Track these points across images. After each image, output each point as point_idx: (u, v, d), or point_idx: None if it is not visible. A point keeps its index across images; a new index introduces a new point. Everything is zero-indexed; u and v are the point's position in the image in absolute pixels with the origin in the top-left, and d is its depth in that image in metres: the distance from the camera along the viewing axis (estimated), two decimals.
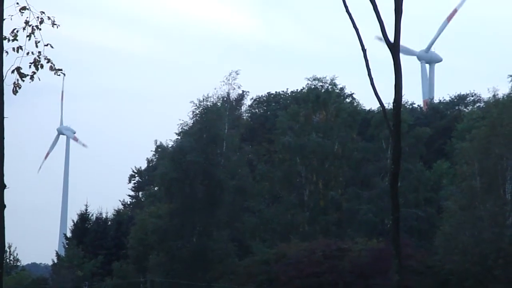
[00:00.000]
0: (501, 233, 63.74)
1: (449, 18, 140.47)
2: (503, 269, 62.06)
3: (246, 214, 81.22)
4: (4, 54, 16.10)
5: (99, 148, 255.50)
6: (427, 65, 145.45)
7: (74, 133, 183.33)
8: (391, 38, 19.31)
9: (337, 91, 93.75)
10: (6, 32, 16.22)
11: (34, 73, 16.35)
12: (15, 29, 16.33)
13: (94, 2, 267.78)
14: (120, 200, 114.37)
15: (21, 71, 16.21)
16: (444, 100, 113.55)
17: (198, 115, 79.87)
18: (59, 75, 16.42)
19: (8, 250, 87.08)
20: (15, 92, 16.32)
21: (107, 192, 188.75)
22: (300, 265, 67.82)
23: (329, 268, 67.22)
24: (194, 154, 74.87)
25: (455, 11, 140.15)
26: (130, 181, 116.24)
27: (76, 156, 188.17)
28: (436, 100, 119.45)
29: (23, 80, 16.26)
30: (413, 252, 64.86)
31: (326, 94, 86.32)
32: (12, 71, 16.17)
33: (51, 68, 16.43)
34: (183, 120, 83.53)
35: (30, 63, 16.30)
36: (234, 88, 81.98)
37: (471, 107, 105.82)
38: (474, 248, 63.51)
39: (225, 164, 77.11)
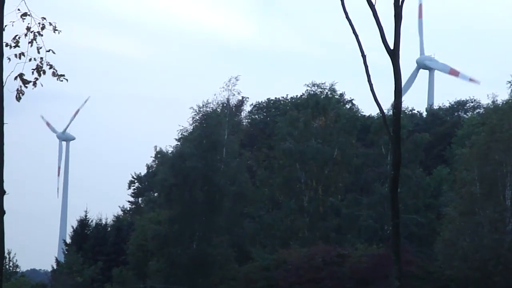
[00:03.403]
0: (501, 239, 63.73)
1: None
2: (503, 275, 62.04)
3: (246, 220, 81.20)
4: (6, 60, 16.13)
5: (99, 153, 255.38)
6: (426, 71, 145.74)
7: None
8: (391, 44, 19.38)
9: (337, 97, 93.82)
10: (8, 39, 16.26)
11: (37, 79, 16.38)
12: (16, 35, 16.36)
13: (93, 8, 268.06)
14: (119, 206, 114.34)
15: (24, 77, 16.25)
16: (444, 106, 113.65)
17: (198, 121, 79.92)
18: (62, 80, 16.45)
19: (7, 256, 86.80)
20: (18, 98, 16.35)
21: (107, 198, 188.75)
22: (300, 271, 67.82)
23: (329, 274, 67.21)
24: (193, 160, 74.85)
25: (457, 72, 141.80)
26: (129, 187, 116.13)
27: (75, 161, 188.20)
28: (435, 106, 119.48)
29: (26, 87, 16.30)
30: (413, 258, 64.86)
31: (326, 100, 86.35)
32: (15, 78, 16.21)
33: (54, 74, 16.46)
34: (182, 126, 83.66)
35: (32, 69, 16.33)
36: (234, 94, 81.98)
37: (470, 113, 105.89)
38: (474, 254, 63.49)
39: (225, 170, 77.07)
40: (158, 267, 75.29)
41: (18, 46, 16.35)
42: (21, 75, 16.24)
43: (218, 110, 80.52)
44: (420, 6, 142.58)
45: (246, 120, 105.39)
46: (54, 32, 16.50)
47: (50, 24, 16.48)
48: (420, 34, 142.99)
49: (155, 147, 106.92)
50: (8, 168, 16.55)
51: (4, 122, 16.03)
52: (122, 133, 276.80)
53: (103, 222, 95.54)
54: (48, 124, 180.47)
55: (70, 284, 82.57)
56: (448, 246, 65.20)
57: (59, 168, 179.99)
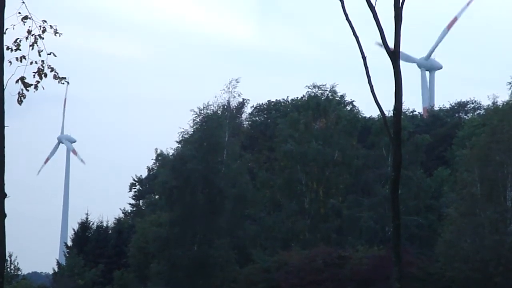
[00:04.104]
0: (502, 240, 63.74)
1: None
2: (504, 276, 62.04)
3: (246, 222, 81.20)
4: (8, 63, 16.15)
5: (100, 156, 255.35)
6: (427, 73, 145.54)
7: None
8: (391, 45, 19.39)
9: (337, 98, 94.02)
10: (9, 42, 16.28)
11: (38, 82, 16.40)
12: (17, 38, 16.39)
13: (93, 10, 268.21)
14: (120, 209, 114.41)
15: (25, 80, 16.26)
16: (444, 107, 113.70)
17: (199, 123, 79.97)
18: (63, 83, 16.48)
19: (8, 259, 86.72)
20: (20, 102, 16.37)
21: (108, 200, 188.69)
22: (301, 273, 67.83)
23: (330, 276, 67.21)
24: (194, 162, 74.87)
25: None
26: (130, 190, 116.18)
27: (76, 165, 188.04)
28: (436, 107, 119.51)
29: (28, 90, 16.31)
30: (413, 260, 64.86)
31: (326, 102, 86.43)
32: (16, 81, 16.22)
33: (55, 77, 16.47)
34: (183, 128, 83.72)
35: (33, 72, 16.34)
36: (235, 96, 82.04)
37: (471, 114, 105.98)
38: (475, 255, 63.50)
39: (225, 172, 77.10)
40: (159, 269, 75.30)
41: (19, 49, 16.36)
42: (22, 79, 16.25)
43: (219, 112, 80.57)
44: (455, 19, 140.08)
45: (247, 122, 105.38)
46: (55, 35, 16.52)
47: (51, 27, 16.51)
48: (438, 40, 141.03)
49: (156, 149, 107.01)
50: (9, 171, 16.57)
51: (5, 125, 16.04)
52: (123, 135, 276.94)
53: (104, 224, 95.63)
54: (64, 105, 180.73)
55: (72, 287, 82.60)
56: (449, 247, 65.20)
57: (47, 158, 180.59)
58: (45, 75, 16.39)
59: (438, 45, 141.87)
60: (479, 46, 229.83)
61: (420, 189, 78.24)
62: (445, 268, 65.83)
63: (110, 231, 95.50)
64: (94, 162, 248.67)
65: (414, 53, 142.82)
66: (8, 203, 16.32)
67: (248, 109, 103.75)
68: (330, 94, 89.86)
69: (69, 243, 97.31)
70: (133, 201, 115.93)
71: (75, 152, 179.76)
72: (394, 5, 19.31)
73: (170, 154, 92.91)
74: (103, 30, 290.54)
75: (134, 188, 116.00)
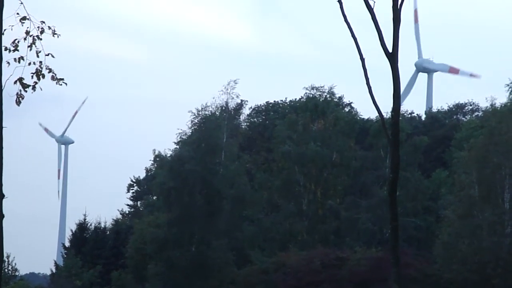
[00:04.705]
0: (500, 242, 63.75)
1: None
2: (501, 278, 62.05)
3: (244, 223, 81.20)
4: (6, 64, 16.16)
5: (98, 157, 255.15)
6: (425, 75, 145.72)
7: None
8: (390, 47, 19.40)
9: (336, 100, 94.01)
10: (7, 43, 16.28)
11: (36, 83, 16.41)
12: (16, 39, 16.38)
13: (92, 10, 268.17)
14: (118, 210, 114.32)
15: (23, 81, 16.26)
16: (443, 109, 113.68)
17: (197, 125, 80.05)
18: (61, 84, 16.47)
19: (6, 260, 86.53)
20: (18, 102, 16.38)
21: (106, 201, 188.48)
22: (299, 274, 67.83)
23: (327, 277, 67.21)
24: (192, 163, 74.88)
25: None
26: (128, 191, 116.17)
27: (74, 165, 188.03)
28: (434, 109, 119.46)
29: (26, 91, 16.31)
30: (412, 261, 64.87)
31: (325, 103, 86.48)
32: (15, 82, 16.22)
33: (53, 78, 16.47)
34: (181, 130, 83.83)
35: (32, 73, 16.34)
36: (233, 98, 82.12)
37: (469, 116, 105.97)
38: (472, 257, 63.51)
39: (223, 173, 77.12)
40: (157, 270, 75.26)
41: (17, 50, 16.35)
42: (20, 79, 16.25)
43: (217, 113, 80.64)
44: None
45: (245, 123, 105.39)
46: (53, 36, 16.52)
47: (49, 28, 16.50)
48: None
49: (154, 150, 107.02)
50: (7, 172, 16.56)
51: (3, 126, 16.04)
52: (121, 136, 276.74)
53: (102, 225, 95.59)
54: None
55: None
56: (447, 249, 65.21)
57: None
58: (43, 76, 16.40)
59: (420, 42, 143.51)
60: (477, 47, 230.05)
61: (418, 191, 78.28)
62: (443, 270, 65.82)
63: (108, 232, 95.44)
64: (93, 163, 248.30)
65: (413, 54, 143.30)
66: (6, 203, 16.31)
67: (246, 110, 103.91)
68: (328, 96, 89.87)
69: (67, 244, 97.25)
70: (131, 202, 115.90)
71: (59, 175, 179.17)
72: (392, 7, 19.32)
73: (168, 155, 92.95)
74: (102, 30, 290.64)
75: (132, 189, 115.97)
